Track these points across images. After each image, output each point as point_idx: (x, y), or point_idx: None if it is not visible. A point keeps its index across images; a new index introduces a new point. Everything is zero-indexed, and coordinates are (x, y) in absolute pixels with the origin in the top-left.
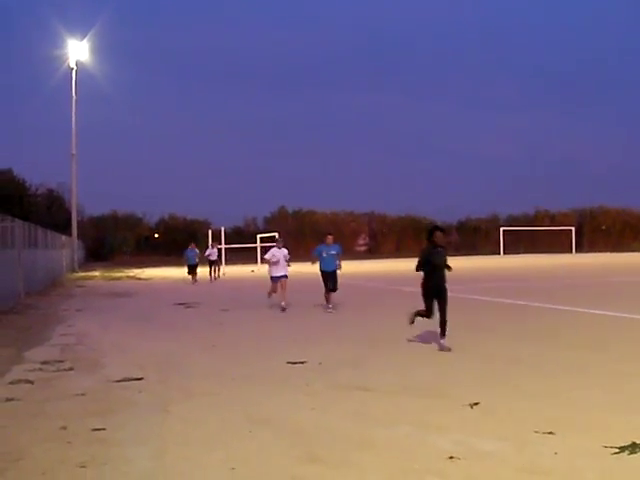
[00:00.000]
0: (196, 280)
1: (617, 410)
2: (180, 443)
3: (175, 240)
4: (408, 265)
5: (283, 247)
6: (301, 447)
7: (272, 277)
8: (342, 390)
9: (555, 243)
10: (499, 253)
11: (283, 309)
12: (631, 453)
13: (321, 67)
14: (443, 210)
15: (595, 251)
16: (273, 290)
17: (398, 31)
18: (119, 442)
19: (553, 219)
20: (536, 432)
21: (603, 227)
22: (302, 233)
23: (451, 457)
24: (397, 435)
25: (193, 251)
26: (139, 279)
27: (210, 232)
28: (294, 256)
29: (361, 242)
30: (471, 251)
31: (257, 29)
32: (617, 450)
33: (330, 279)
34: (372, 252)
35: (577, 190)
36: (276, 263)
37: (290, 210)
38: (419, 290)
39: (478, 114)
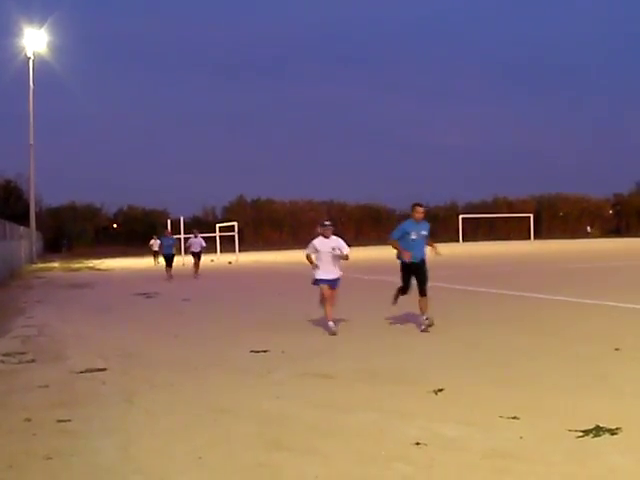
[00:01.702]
0: (172, 275)
1: (580, 394)
2: (146, 434)
3: (134, 230)
4: (368, 253)
5: (334, 235)
6: (267, 435)
7: (319, 280)
8: (306, 378)
9: (514, 230)
10: (458, 240)
11: (333, 332)
12: (595, 436)
13: (282, 58)
14: (402, 198)
15: (553, 237)
16: (325, 299)
17: (361, 24)
18: (85, 433)
19: (512, 206)
20: (501, 417)
21: (561, 214)
22: (261, 222)
23: (417, 443)
24: (362, 422)
25: (170, 239)
26: (99, 270)
27: (169, 222)
28: (253, 246)
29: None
30: (430, 239)
31: (219, 20)
32: (581, 433)
33: (419, 273)
34: None
35: (535, 177)
36: (323, 260)
37: (249, 199)
38: (379, 278)
39: (438, 104)
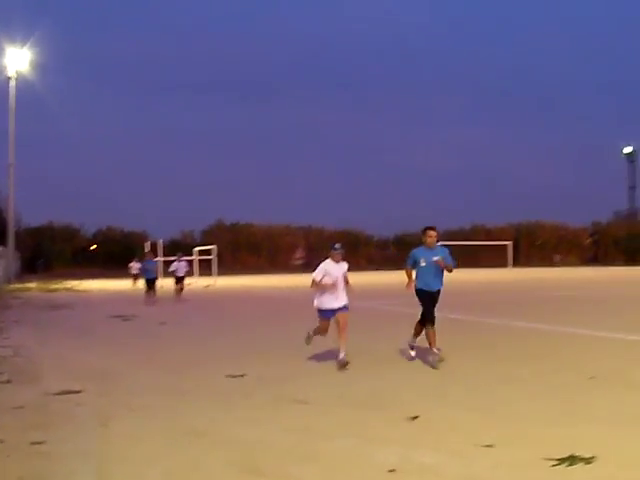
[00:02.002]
0: (155, 300)
1: (555, 422)
2: (120, 457)
3: (112, 252)
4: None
5: (342, 260)
6: (242, 460)
7: (321, 310)
8: (282, 403)
9: (492, 257)
10: None
11: (343, 364)
12: (570, 465)
13: (262, 80)
14: (381, 224)
15: (531, 265)
16: (321, 330)
17: (345, 47)
18: (59, 456)
19: (490, 234)
20: (476, 445)
21: (539, 242)
22: (239, 246)
23: (392, 470)
24: (337, 448)
25: (152, 262)
26: (76, 291)
27: (149, 244)
28: (230, 270)
29: (297, 256)
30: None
31: (199, 41)
32: (556, 462)
33: (431, 303)
34: (308, 266)
35: (514, 205)
36: (330, 287)
37: (227, 223)
38: (357, 304)
39: (417, 129)
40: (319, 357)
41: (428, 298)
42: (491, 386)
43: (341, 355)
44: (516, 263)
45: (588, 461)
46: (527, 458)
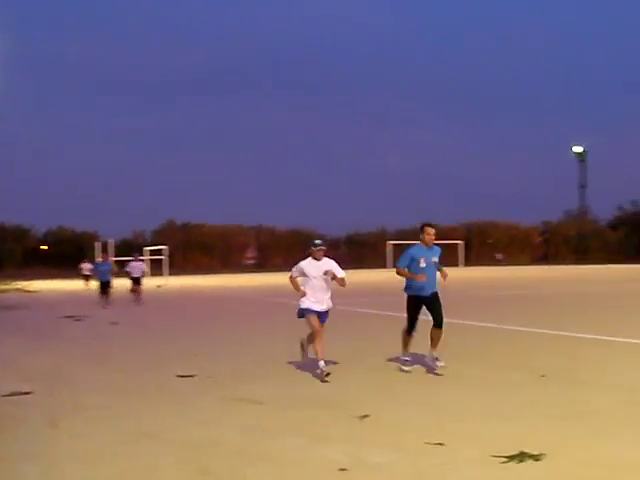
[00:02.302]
0: (108, 303)
1: (505, 420)
2: (70, 458)
3: (64, 252)
4: None
5: (326, 256)
6: (191, 461)
7: (306, 310)
8: (233, 403)
9: (444, 256)
10: (386, 267)
11: (326, 374)
12: (520, 462)
13: (213, 80)
14: (332, 224)
15: (482, 264)
16: (314, 332)
17: (299, 46)
18: (8, 457)
19: (441, 233)
20: (426, 443)
21: (490, 241)
22: (190, 246)
23: (342, 469)
24: (288, 447)
25: (106, 264)
26: (27, 292)
27: (100, 245)
28: (182, 270)
29: (249, 255)
30: (359, 265)
31: (145, 42)
32: (506, 459)
33: (432, 308)
34: (260, 266)
35: (466, 204)
36: (312, 287)
37: (179, 223)
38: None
39: (371, 129)
40: (270, 357)
41: (418, 307)
42: (442, 384)
43: (321, 363)
44: (468, 262)
45: (537, 458)
46: (477, 455)
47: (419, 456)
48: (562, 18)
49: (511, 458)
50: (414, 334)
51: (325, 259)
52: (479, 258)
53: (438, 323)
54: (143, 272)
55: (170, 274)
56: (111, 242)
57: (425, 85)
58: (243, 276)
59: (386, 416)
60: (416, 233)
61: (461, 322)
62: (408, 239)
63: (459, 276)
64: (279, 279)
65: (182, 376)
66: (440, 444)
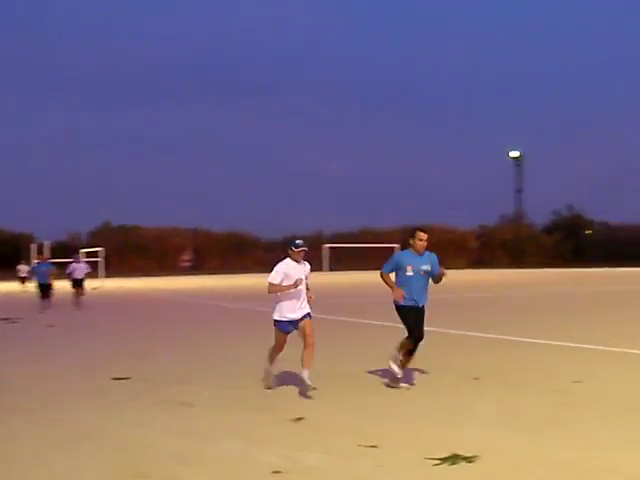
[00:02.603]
0: (49, 305)
1: (438, 422)
2: (3, 461)
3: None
4: (233, 281)
5: (304, 260)
6: (126, 463)
7: (279, 322)
8: (167, 405)
9: (381, 260)
10: (323, 270)
11: (307, 389)
12: (452, 464)
13: (150, 81)
14: (268, 227)
15: None
16: (277, 348)
17: (235, 48)
18: None
19: (378, 236)
20: (360, 445)
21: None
22: (127, 248)
23: (276, 471)
24: (222, 450)
25: (44, 266)
26: None
27: (36, 246)
28: (118, 272)
29: (185, 258)
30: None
31: (86, 44)
32: (439, 462)
33: (417, 320)
34: (196, 268)
35: (402, 208)
36: (290, 293)
37: (115, 225)
38: (242, 307)
39: (308, 131)
40: (207, 359)
41: (413, 315)
42: (376, 387)
43: (305, 375)
44: None
45: (470, 460)
46: (410, 458)
47: (353, 459)
48: (500, 21)
49: (444, 460)
50: (421, 339)
51: (304, 262)
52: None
53: (416, 338)
54: (85, 274)
55: (106, 276)
56: (47, 244)
57: (361, 87)
58: (179, 278)
59: (320, 419)
60: (353, 236)
61: (396, 325)
62: (345, 242)
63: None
64: (215, 281)
65: (118, 378)
66: (374, 447)
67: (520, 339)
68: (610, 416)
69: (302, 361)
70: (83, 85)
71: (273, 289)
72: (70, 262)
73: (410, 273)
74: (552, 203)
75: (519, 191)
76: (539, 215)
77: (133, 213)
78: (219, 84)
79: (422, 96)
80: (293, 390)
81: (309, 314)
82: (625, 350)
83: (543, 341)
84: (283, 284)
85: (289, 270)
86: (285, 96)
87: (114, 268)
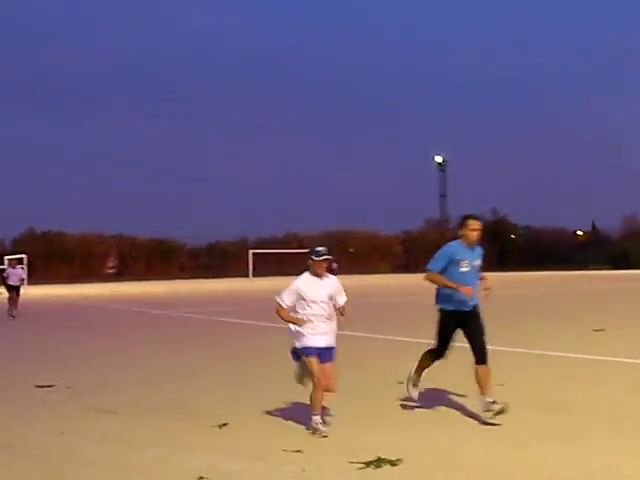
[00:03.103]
0: None
1: (362, 426)
2: None
3: None
4: (158, 288)
5: (335, 266)
6: (49, 471)
7: (305, 349)
8: (91, 413)
9: (304, 265)
10: (248, 276)
11: (322, 433)
12: (376, 467)
13: (79, 90)
14: (193, 233)
15: (344, 273)
16: (317, 384)
17: (160, 57)
18: None
19: (302, 242)
20: (284, 450)
21: (351, 249)
22: (51, 255)
23: (200, 477)
24: (147, 457)
25: None
26: None
27: None
28: (43, 279)
29: (110, 264)
30: (220, 273)
31: (19, 50)
32: (363, 465)
33: (473, 327)
34: (121, 275)
35: (326, 213)
36: (314, 314)
37: (39, 231)
38: (166, 313)
39: (232, 137)
40: (131, 366)
41: (455, 326)
42: (299, 392)
43: (316, 418)
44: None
45: (394, 463)
46: (334, 462)
47: (277, 464)
48: (427, 24)
49: (368, 464)
50: (437, 362)
51: (327, 275)
52: (340, 267)
53: (481, 358)
54: (22, 280)
55: (30, 283)
56: None
57: (284, 92)
58: (104, 285)
59: (244, 424)
60: (278, 242)
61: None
62: (269, 248)
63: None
64: (140, 288)
65: (41, 386)
66: (299, 451)
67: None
68: (529, 417)
69: (314, 404)
70: (15, 91)
71: (279, 314)
72: (2, 269)
73: (465, 269)
74: (476, 207)
75: (443, 196)
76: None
77: (57, 219)
78: (140, 93)
79: (346, 100)
80: (216, 397)
81: (333, 349)
82: (541, 352)
83: (466, 344)
84: (303, 309)
85: (306, 288)
86: (207, 104)
87: (39, 275)
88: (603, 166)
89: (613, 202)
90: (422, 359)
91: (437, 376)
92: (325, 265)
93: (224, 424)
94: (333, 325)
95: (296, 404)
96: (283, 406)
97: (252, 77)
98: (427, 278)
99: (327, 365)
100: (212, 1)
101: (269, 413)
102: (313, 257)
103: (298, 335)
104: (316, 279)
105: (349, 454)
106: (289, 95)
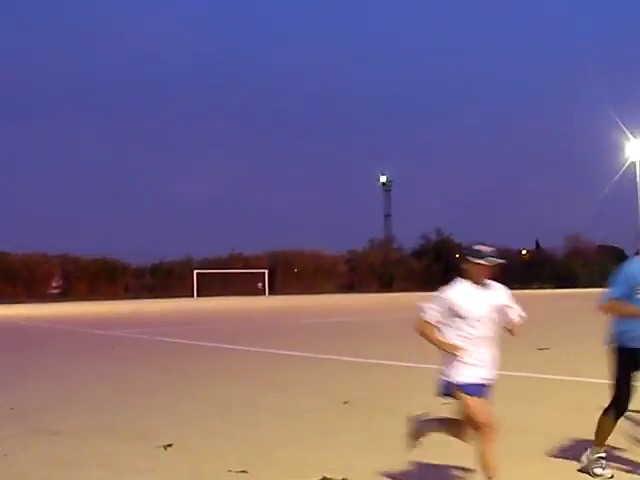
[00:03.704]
0: None
1: (308, 446)
2: None
3: None
4: (101, 308)
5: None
6: None
7: (467, 386)
8: (35, 434)
9: (249, 286)
10: (192, 296)
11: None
12: None
13: (14, 102)
14: (137, 253)
15: (288, 293)
16: (484, 431)
17: (102, 73)
18: None
19: (247, 262)
20: (230, 471)
21: (295, 270)
22: None
23: None
24: (90, 478)
25: None
26: None
27: None
28: None
29: (54, 285)
30: (165, 293)
31: None
32: None
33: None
34: (65, 295)
35: (271, 233)
36: (472, 336)
37: None
38: (110, 334)
39: (174, 156)
40: (73, 387)
41: (634, 367)
42: (246, 412)
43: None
44: (273, 291)
45: None
46: None
47: None
48: (370, 45)
49: None
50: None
51: (491, 284)
52: (285, 287)
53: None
54: None
55: None
56: None
57: (226, 110)
58: (48, 305)
59: (190, 445)
60: (222, 262)
61: (261, 350)
62: (214, 267)
63: (263, 305)
64: (84, 308)
65: None
66: (244, 472)
67: (389, 362)
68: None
69: (486, 468)
70: None
71: (425, 334)
72: None
73: None
74: (421, 227)
75: (388, 216)
76: (408, 239)
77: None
78: (84, 111)
79: (290, 119)
80: (162, 417)
81: (492, 382)
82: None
83: (412, 364)
84: (458, 329)
85: (463, 302)
86: (142, 120)
87: None
88: (547, 184)
89: (556, 221)
90: (602, 427)
91: (380, 396)
92: (488, 271)
93: (169, 445)
94: (495, 349)
95: (240, 426)
96: (228, 426)
97: (190, 92)
98: (605, 309)
99: (488, 404)
100: (148, 17)
101: (214, 433)
102: (474, 259)
103: (453, 365)
104: (476, 289)
105: (295, 474)
106: (228, 111)
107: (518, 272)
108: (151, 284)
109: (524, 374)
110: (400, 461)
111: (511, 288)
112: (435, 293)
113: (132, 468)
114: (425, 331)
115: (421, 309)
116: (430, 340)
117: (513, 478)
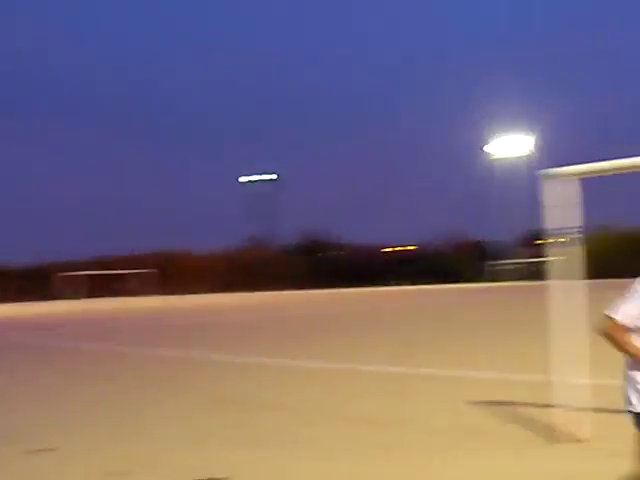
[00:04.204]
0: None
1: (190, 445)
2: None
3: None
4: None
5: None
6: None
7: None
8: None
9: (134, 286)
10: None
11: None
12: None
13: None
14: (18, 254)
15: (173, 293)
16: None
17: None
18: None
19: (130, 262)
20: (112, 473)
21: (177, 269)
22: None
23: None
24: None
25: None
26: None
27: None
28: None
29: None
30: (31, 297)
31: None
32: None
33: None
34: None
35: (156, 233)
36: None
37: None
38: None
39: (57, 156)
40: None
41: None
42: (132, 413)
43: None
44: (161, 291)
45: None
46: None
47: None
48: (250, 43)
49: None
50: None
51: None
52: (170, 287)
53: None
54: None
55: None
56: None
57: (107, 110)
58: None
59: (73, 448)
60: (107, 263)
61: (142, 350)
62: (99, 268)
63: (150, 305)
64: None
65: None
66: (130, 472)
67: (263, 360)
68: (352, 432)
69: None
70: None
71: (613, 338)
72: None
73: None
74: (300, 225)
75: (269, 214)
76: (287, 238)
77: None
78: None
79: (171, 121)
80: (44, 420)
81: None
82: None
83: (288, 361)
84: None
85: None
86: (38, 121)
87: None
88: (428, 181)
89: (436, 218)
90: None
91: (256, 395)
92: None
93: (52, 449)
94: None
95: (128, 426)
96: (116, 428)
97: (54, 94)
98: (605, 334)
99: None
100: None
101: (102, 435)
102: None
103: None
104: None
105: (182, 473)
106: (93, 113)
107: (396, 269)
108: (22, 287)
109: (396, 369)
110: (283, 459)
111: (382, 285)
112: (630, 289)
113: (12, 473)
114: (615, 335)
115: (611, 309)
116: (621, 347)
117: (395, 470)
